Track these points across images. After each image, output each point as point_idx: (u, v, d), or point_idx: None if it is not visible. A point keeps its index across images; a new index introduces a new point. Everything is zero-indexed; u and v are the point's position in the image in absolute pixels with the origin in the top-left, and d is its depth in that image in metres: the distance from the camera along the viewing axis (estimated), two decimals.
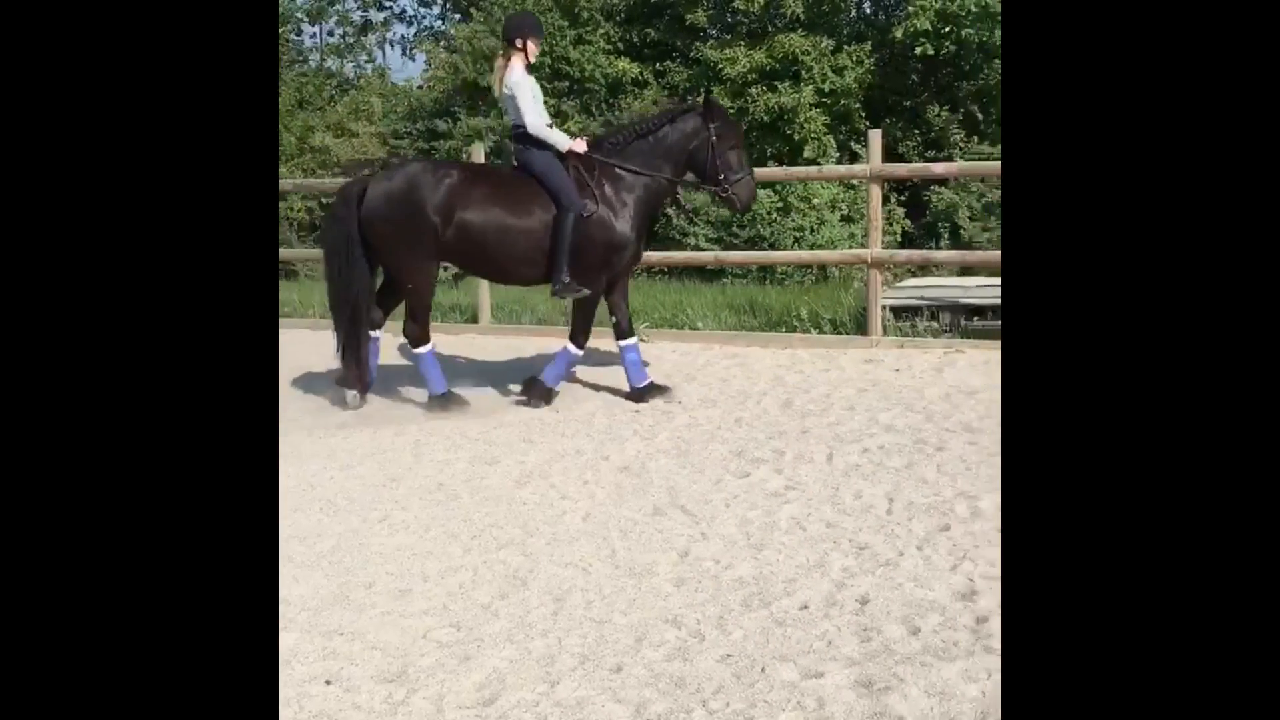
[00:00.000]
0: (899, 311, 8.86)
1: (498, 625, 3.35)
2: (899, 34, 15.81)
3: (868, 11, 18.71)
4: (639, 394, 6.50)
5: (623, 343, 6.57)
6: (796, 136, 15.82)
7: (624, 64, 17.12)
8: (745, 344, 8.42)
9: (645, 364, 6.72)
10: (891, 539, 3.98)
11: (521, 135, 6.36)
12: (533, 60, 6.44)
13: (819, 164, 14.96)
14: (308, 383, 7.11)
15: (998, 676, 2.86)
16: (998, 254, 10.87)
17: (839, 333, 8.89)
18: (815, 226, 14.40)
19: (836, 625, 3.24)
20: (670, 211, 13.21)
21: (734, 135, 6.47)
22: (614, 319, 6.61)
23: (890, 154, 14.26)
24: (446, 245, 6.22)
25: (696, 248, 13.83)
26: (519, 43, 6.38)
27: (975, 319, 8.74)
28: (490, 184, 6.31)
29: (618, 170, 6.34)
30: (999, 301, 8.74)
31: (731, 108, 15.91)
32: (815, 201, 14.58)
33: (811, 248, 13.64)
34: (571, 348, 6.52)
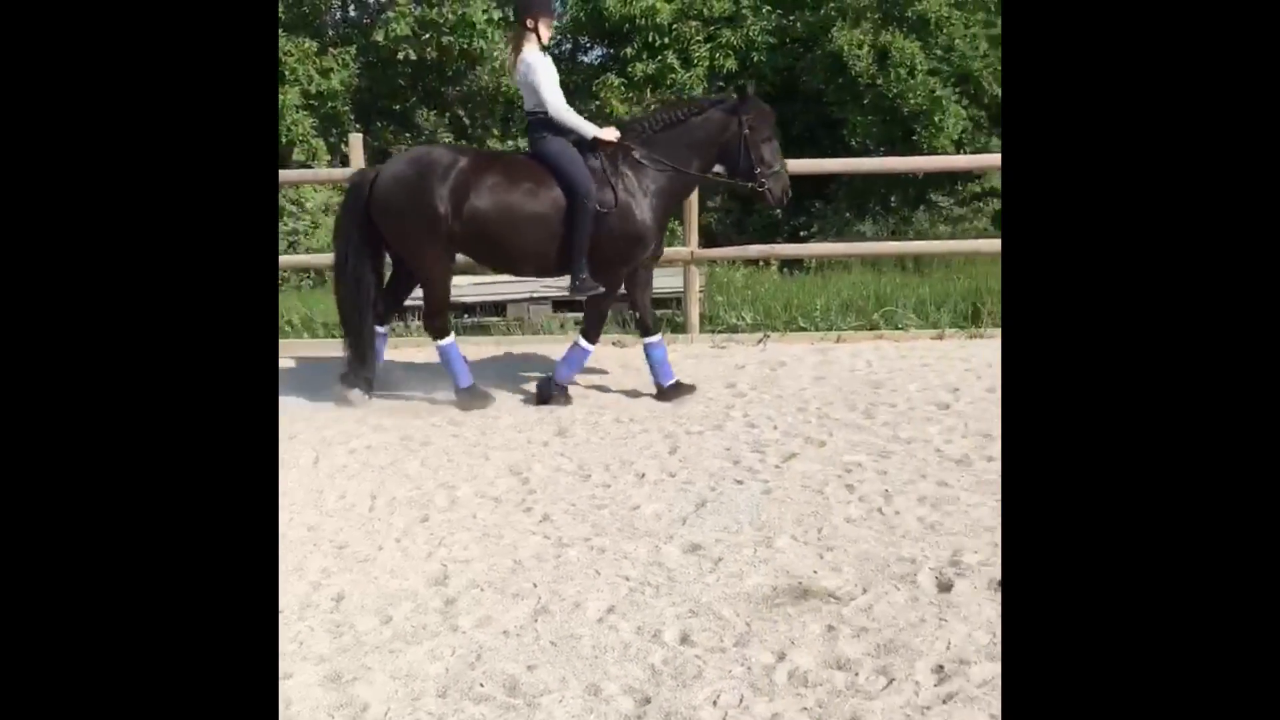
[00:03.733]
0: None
1: None
2: (380, 38, 15.92)
3: (351, 14, 18.65)
4: (666, 393, 6.15)
5: (647, 340, 6.22)
6: (285, 139, 15.45)
7: None
8: None
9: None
10: (371, 535, 4.07)
11: (537, 123, 5.96)
12: (546, 41, 6.02)
13: (310, 166, 14.78)
14: None
15: (462, 652, 3.04)
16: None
17: (333, 336, 8.84)
18: (310, 230, 14.17)
19: (310, 625, 3.27)
20: None
21: (767, 128, 6.10)
22: (636, 315, 6.27)
23: (382, 156, 14.33)
24: (456, 234, 5.85)
25: None
26: (530, 23, 5.94)
27: (466, 316, 9.06)
28: (503, 171, 5.91)
29: (641, 159, 5.98)
30: (486, 299, 9.14)
31: None
32: (308, 205, 14.34)
33: (306, 251, 13.40)
34: (583, 343, 6.14)
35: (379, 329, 6.27)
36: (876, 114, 14.53)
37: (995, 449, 4.89)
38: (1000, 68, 14.02)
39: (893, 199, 14.77)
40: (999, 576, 3.43)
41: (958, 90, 14.15)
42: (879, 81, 14.27)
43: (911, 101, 13.94)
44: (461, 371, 6.18)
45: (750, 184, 6.02)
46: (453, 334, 6.22)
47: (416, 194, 5.81)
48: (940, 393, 5.99)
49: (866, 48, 14.49)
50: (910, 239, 13.68)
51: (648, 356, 6.24)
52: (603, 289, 5.96)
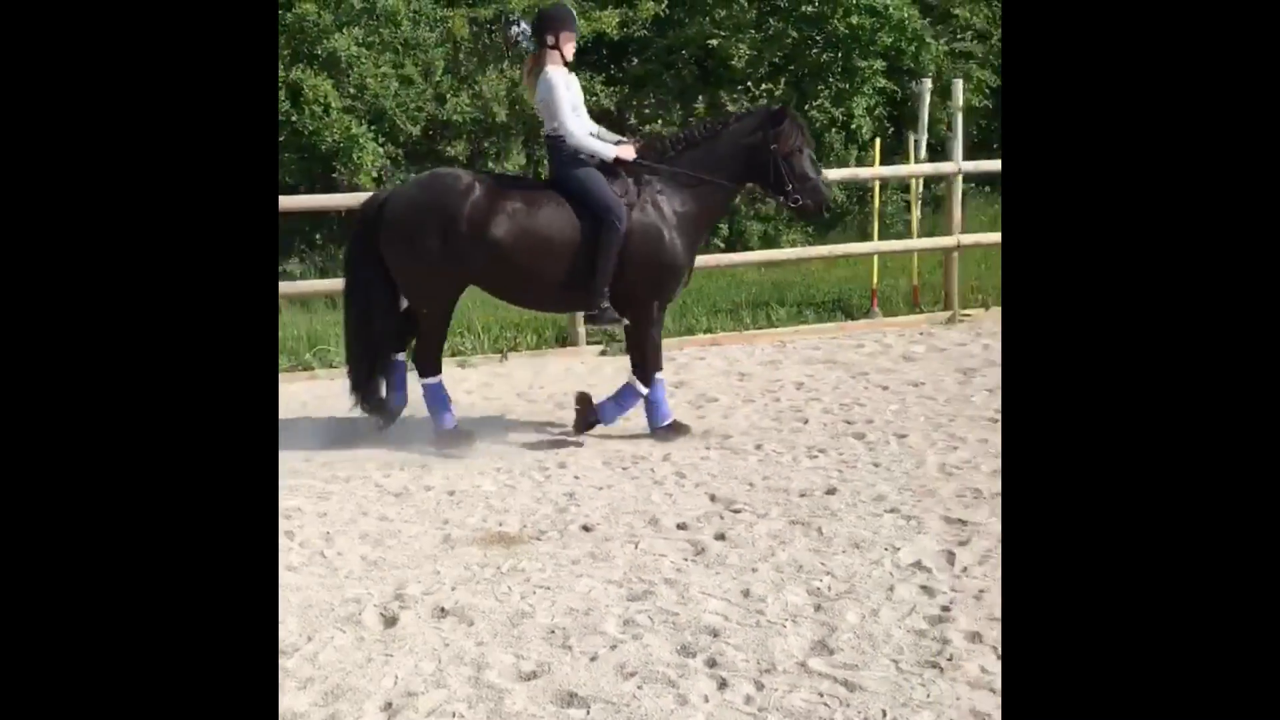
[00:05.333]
0: None
1: None
2: None
3: None
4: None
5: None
6: None
7: None
8: None
9: None
10: None
11: (555, 146, 5.57)
12: (569, 59, 5.57)
13: None
14: None
15: None
16: None
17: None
18: None
19: None
20: None
21: (800, 138, 5.66)
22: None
23: None
24: (475, 266, 5.49)
25: None
26: (550, 39, 5.51)
27: None
28: (525, 197, 5.54)
29: (670, 182, 5.58)
30: None
31: None
32: None
33: None
34: (638, 385, 5.63)
35: (397, 357, 5.82)
36: (295, 151, 14.29)
37: (431, 478, 5.01)
38: (413, 107, 14.48)
39: (318, 236, 14.64)
40: (442, 604, 3.51)
41: (373, 128, 14.32)
42: (294, 119, 14.08)
43: (329, 139, 13.93)
44: (444, 412, 5.67)
45: (785, 198, 5.73)
46: (441, 375, 5.72)
47: (430, 219, 5.45)
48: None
49: (280, 85, 14.23)
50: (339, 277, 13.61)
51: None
52: (625, 320, 5.61)
